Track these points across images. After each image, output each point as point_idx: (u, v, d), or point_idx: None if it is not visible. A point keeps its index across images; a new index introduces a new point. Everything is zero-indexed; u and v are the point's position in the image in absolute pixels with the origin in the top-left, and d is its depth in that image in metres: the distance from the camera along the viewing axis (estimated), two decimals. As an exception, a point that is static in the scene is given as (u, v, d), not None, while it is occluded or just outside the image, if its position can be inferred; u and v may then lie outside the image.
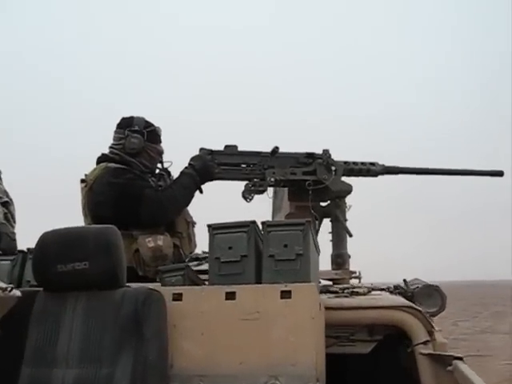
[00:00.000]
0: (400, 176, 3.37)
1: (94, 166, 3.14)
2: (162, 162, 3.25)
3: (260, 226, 2.22)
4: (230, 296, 2.07)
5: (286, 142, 3.16)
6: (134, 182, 2.97)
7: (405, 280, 2.88)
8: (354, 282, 3.16)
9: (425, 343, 2.28)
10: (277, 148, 3.08)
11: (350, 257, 3.17)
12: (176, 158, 3.30)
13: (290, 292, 2.03)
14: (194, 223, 3.23)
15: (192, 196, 3.09)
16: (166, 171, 3.28)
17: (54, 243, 2.03)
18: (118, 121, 3.19)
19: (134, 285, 2.12)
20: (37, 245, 2.07)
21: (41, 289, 2.08)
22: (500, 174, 3.42)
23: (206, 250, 3.40)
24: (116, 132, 3.16)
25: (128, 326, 1.91)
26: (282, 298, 2.02)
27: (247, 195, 3.06)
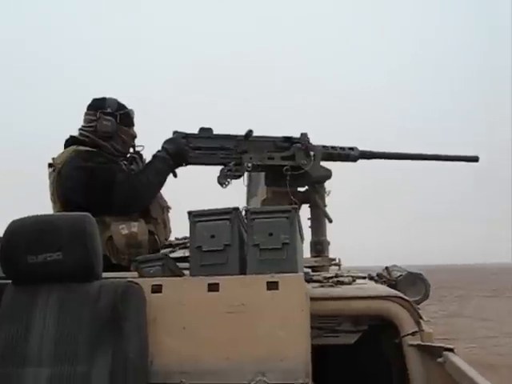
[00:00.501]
0: (386, 163, 3.32)
1: (61, 147, 2.99)
2: (134, 146, 3.12)
3: (243, 213, 2.11)
4: (213, 287, 1.96)
5: (263, 125, 3.05)
6: (105, 165, 2.83)
7: (387, 267, 2.81)
8: (333, 268, 3.10)
9: (413, 334, 2.20)
10: (250, 131, 2.98)
11: (329, 243, 3.10)
12: (149, 141, 3.17)
13: (276, 283, 1.93)
14: (168, 208, 3.11)
15: (165, 180, 2.98)
16: (139, 154, 3.15)
17: (24, 232, 1.87)
18: (88, 102, 3.03)
19: (111, 275, 2.00)
20: (5, 234, 1.91)
21: (9, 281, 1.92)
22: (475, 159, 3.40)
23: (180, 236, 3.30)
24: (87, 114, 3.00)
25: (105, 321, 1.77)
26: (268, 289, 1.93)
27: (223, 180, 2.95)
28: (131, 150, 3.12)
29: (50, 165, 2.94)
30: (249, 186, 3.63)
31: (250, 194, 3.69)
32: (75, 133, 3.01)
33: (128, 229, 2.73)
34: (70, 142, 2.99)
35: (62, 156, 2.91)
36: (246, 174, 3.10)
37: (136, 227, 2.75)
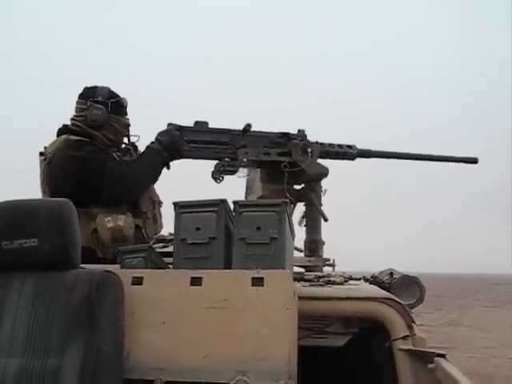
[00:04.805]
0: (399, 167, 3.27)
1: (55, 138, 2.93)
2: (128, 136, 3.05)
3: (231, 206, 2.04)
4: (196, 281, 1.87)
5: (262, 123, 2.99)
6: (95, 155, 2.77)
7: (391, 273, 2.73)
8: (327, 269, 3.03)
9: (404, 338, 2.11)
10: (249, 126, 2.92)
11: (324, 243, 3.03)
12: (144, 133, 3.10)
13: (262, 279, 1.84)
14: (160, 202, 3.05)
15: (159, 173, 2.92)
16: (133, 146, 3.09)
17: (1, 217, 1.80)
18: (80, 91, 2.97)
19: (89, 266, 1.92)
20: None
21: None
22: (474, 161, 3.34)
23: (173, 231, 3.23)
24: (78, 102, 2.94)
25: (80, 312, 1.69)
26: (253, 285, 1.84)
27: (217, 176, 2.89)
28: (125, 139, 3.06)
29: (41, 153, 2.89)
30: (247, 182, 3.58)
31: (248, 191, 3.63)
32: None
33: (114, 222, 2.67)
34: (63, 130, 2.94)
35: (53, 145, 2.86)
36: (243, 169, 3.04)
37: (122, 220, 2.69)
